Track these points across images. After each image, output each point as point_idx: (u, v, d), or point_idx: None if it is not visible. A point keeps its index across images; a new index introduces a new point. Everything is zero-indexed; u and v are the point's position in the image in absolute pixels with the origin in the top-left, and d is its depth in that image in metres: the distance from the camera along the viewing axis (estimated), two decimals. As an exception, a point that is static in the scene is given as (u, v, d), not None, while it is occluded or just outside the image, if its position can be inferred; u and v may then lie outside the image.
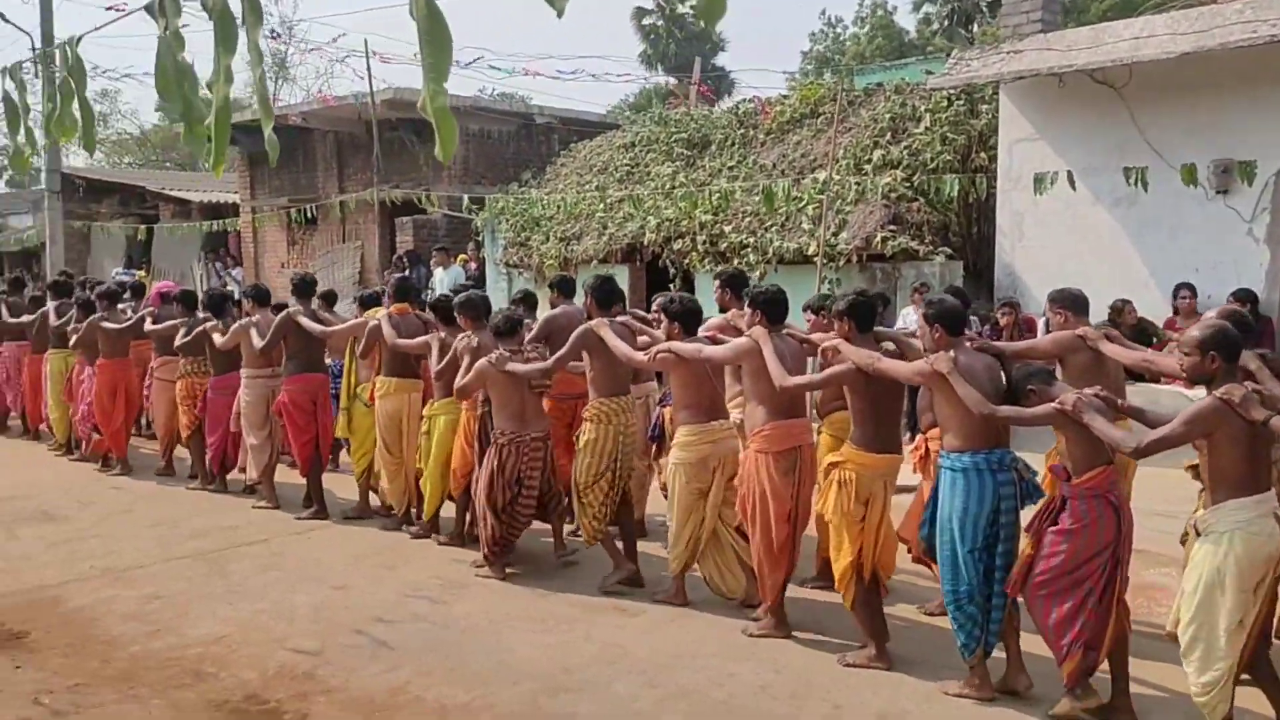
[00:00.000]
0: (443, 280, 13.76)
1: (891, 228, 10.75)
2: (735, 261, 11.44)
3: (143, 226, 20.04)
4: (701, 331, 5.83)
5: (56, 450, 10.49)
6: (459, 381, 6.37)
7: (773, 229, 11.36)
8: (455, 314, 6.78)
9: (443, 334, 6.89)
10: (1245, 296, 8.36)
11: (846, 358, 4.86)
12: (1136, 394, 5.99)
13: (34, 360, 10.82)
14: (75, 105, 2.55)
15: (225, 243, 20.06)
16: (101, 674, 4.94)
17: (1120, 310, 8.27)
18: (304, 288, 8.08)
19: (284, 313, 7.88)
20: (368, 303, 8.04)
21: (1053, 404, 4.19)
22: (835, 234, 10.67)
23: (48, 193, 18.35)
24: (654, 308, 6.65)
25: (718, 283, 6.62)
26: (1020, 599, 4.42)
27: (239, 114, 22.40)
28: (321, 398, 7.96)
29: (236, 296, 9.52)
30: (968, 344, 4.66)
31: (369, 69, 15.04)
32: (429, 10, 1.62)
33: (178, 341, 8.69)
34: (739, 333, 5.72)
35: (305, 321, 7.71)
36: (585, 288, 6.57)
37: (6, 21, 21.23)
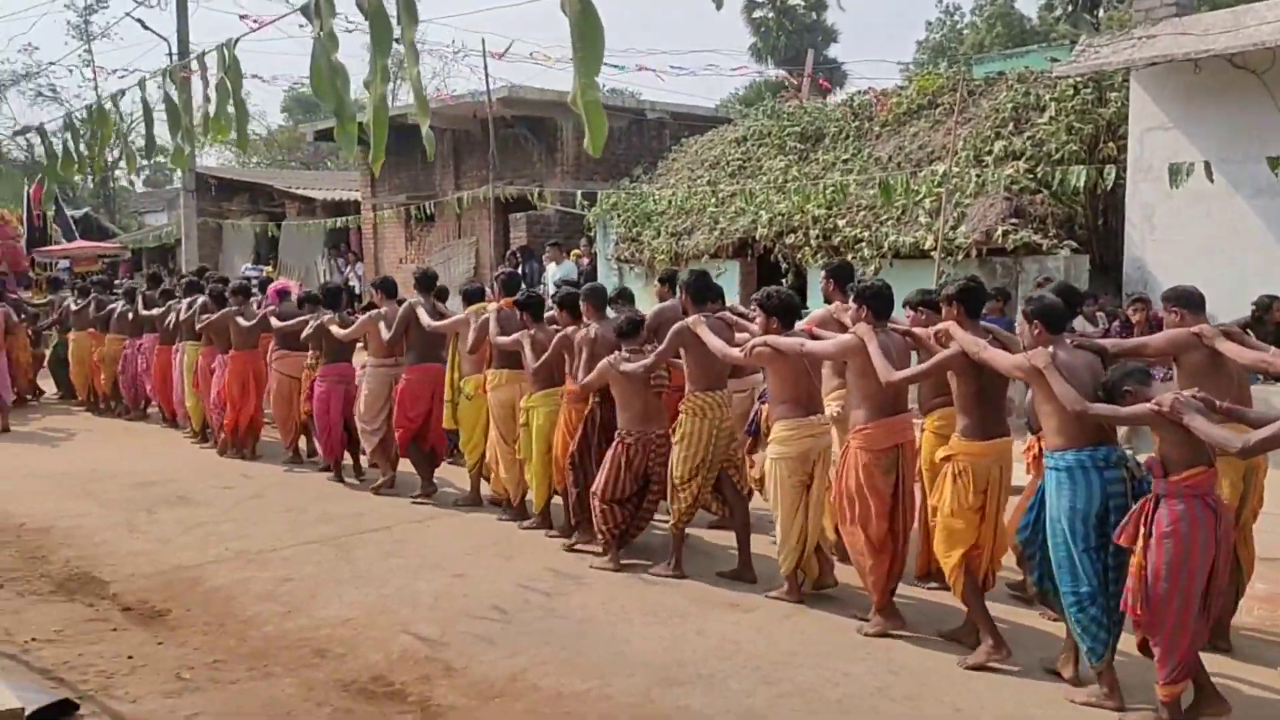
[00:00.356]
0: (555, 275, 13.95)
1: (1013, 221, 10.44)
2: (849, 256, 11.28)
3: (270, 224, 20.87)
4: (802, 325, 5.82)
5: (192, 438, 11.03)
6: (582, 379, 6.53)
7: (888, 223, 11.16)
8: (580, 302, 6.87)
9: (533, 331, 7.06)
10: None
11: (956, 342, 4.83)
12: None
13: (163, 351, 11.46)
14: (231, 105, 2.67)
15: (346, 239, 20.74)
16: (238, 651, 5.17)
17: (1268, 307, 7.85)
18: (424, 282, 8.38)
19: (405, 305, 8.19)
20: (471, 297, 8.25)
21: (1149, 404, 4.09)
22: (954, 227, 10.42)
23: (184, 191, 19.29)
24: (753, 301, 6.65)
25: (824, 274, 6.56)
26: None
27: (360, 115, 23.06)
28: (438, 388, 8.19)
29: (357, 291, 9.89)
30: (1068, 341, 4.61)
31: (485, 68, 15.32)
32: (582, 6, 1.64)
33: (305, 334, 9.07)
34: (841, 326, 5.71)
35: (421, 314, 7.98)
36: (680, 283, 6.61)
37: (145, 28, 22.27)
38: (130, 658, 5.05)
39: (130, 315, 12.26)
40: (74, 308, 13.22)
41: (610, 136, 17.08)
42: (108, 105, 3.28)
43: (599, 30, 1.69)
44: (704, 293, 6.40)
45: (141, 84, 3.07)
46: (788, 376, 5.58)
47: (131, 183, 38.10)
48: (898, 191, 10.10)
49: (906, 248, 10.82)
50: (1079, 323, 9.60)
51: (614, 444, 6.39)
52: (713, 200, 13.31)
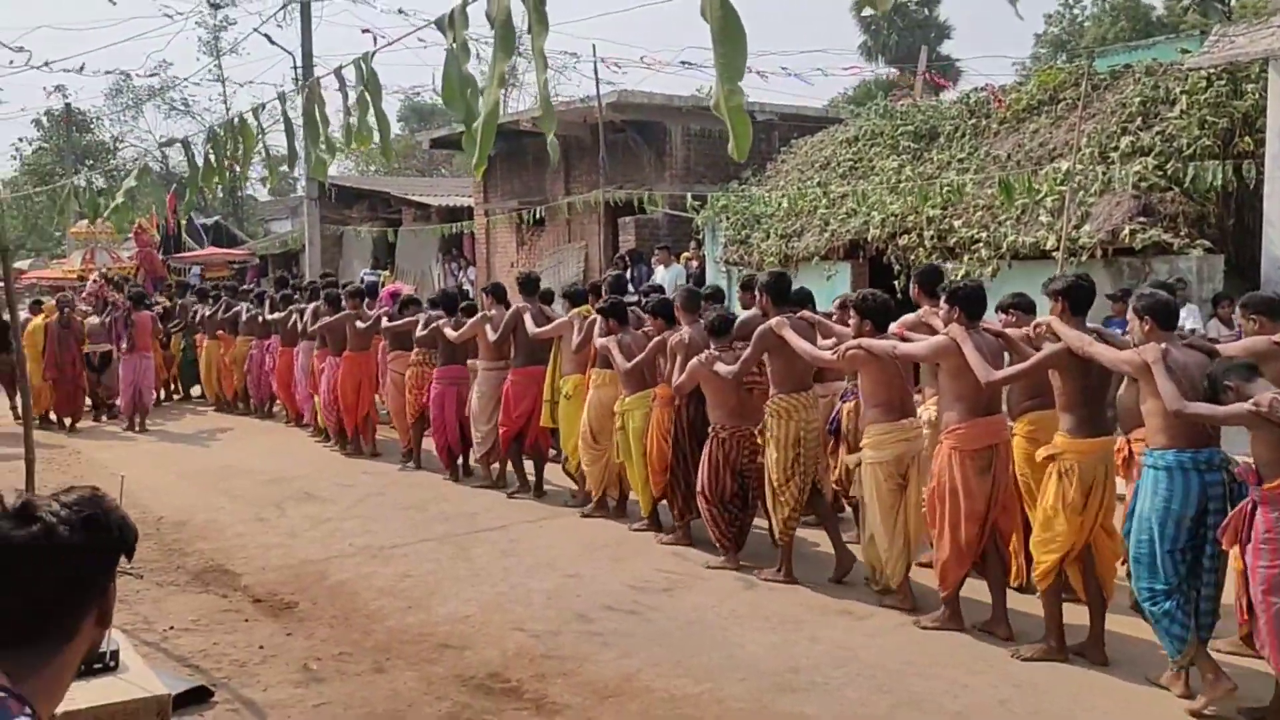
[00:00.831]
0: (664, 278, 13.99)
1: (1141, 219, 10.03)
2: (966, 257, 11.00)
3: (388, 229, 21.49)
4: (893, 329, 5.79)
5: (316, 436, 11.45)
6: (675, 379, 6.61)
7: (1007, 223, 10.85)
8: (674, 308, 7.02)
9: (620, 335, 7.25)
10: None
11: (1061, 336, 4.77)
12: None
13: (285, 352, 12.02)
14: (371, 116, 2.77)
15: (460, 244, 21.22)
16: (362, 644, 5.35)
17: None
18: (528, 286, 8.66)
19: (514, 308, 8.47)
20: (576, 298, 8.42)
21: (1247, 403, 3.99)
22: (1077, 227, 10.06)
23: (307, 199, 20.04)
24: (834, 304, 6.72)
25: (912, 279, 6.43)
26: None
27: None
28: (541, 389, 8.39)
29: (470, 295, 10.19)
30: (1179, 340, 4.58)
31: (596, 73, 15.49)
32: (723, 10, 1.65)
33: (417, 334, 9.41)
34: (930, 330, 5.67)
35: (526, 319, 8.26)
36: (759, 285, 6.59)
37: (272, 43, 23.08)
38: (261, 647, 5.27)
39: (259, 318, 12.85)
40: (205, 312, 13.90)
41: (719, 139, 17.06)
42: (249, 119, 3.44)
43: (741, 34, 1.69)
44: (783, 293, 6.38)
45: (282, 97, 3.22)
46: (880, 379, 5.54)
47: (256, 192, 39.74)
48: (1018, 190, 9.81)
49: (1026, 248, 10.50)
50: (1213, 325, 9.16)
51: (708, 441, 6.47)
52: (823, 201, 13.15)
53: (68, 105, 35.26)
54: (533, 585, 6.23)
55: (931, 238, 11.52)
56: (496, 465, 8.89)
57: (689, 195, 14.21)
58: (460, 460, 9.29)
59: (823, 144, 15.37)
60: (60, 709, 1.72)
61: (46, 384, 12.45)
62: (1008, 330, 5.41)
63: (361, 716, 4.49)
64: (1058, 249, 9.55)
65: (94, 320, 13.28)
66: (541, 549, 7.04)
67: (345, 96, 2.87)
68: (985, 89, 13.87)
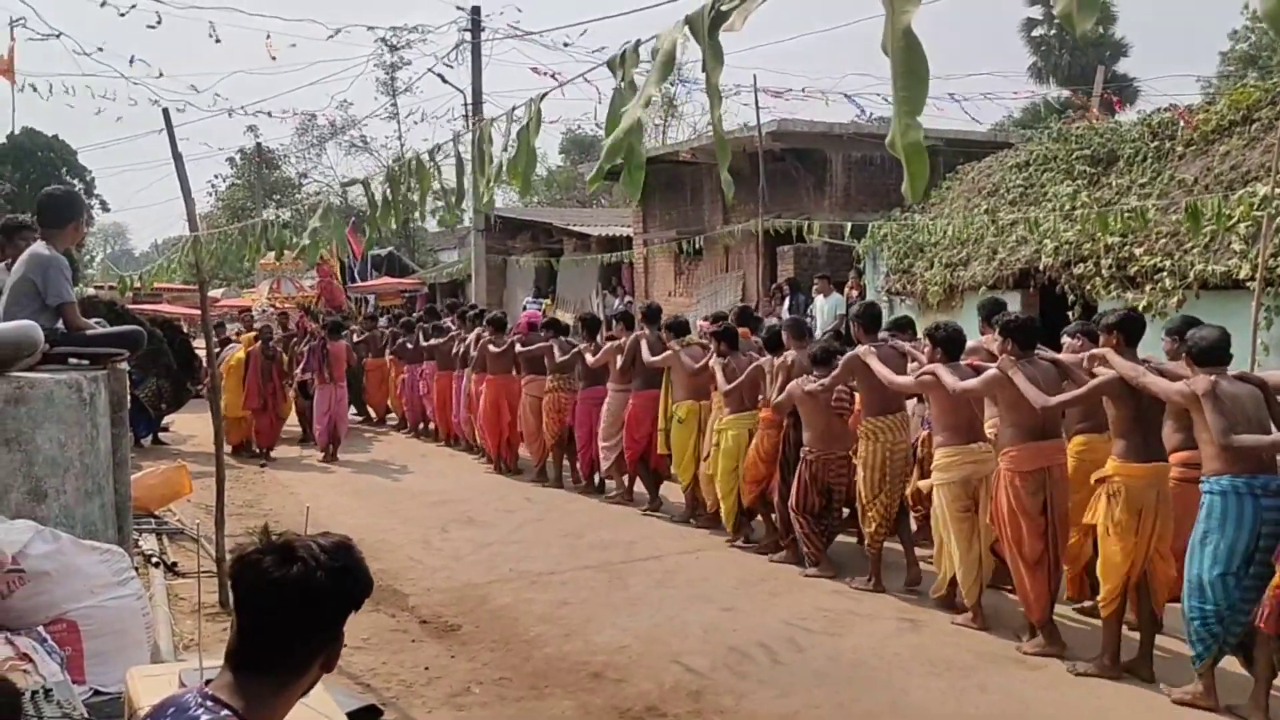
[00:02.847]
0: (823, 308, 13.79)
1: (1349, 246, 9.21)
2: (1147, 287, 10.38)
3: (549, 259, 22.04)
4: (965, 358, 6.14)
5: (485, 464, 11.82)
6: (775, 399, 7.15)
7: (1194, 251, 10.17)
8: (782, 334, 7.59)
9: (726, 359, 7.81)
10: None
11: (1113, 366, 5.04)
12: None
13: (442, 377, 12.75)
14: (524, 151, 2.84)
15: (619, 274, 21.54)
16: (521, 670, 5.42)
17: None
18: (650, 315, 9.34)
19: (633, 336, 9.10)
20: (677, 330, 8.80)
21: None
22: (1274, 255, 9.34)
23: (474, 231, 20.78)
24: (922, 334, 6.99)
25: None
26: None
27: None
28: (656, 412, 8.92)
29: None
30: (1230, 373, 4.77)
31: (756, 103, 15.48)
32: (906, 42, 1.59)
33: (559, 358, 9.93)
34: (990, 355, 6.11)
35: (642, 347, 8.82)
36: (852, 316, 7.15)
37: (445, 82, 24.17)
38: (426, 669, 5.41)
39: (409, 345, 13.63)
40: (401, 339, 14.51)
41: (880, 166, 16.78)
42: (426, 160, 3.59)
43: (925, 68, 1.62)
44: (874, 322, 6.96)
45: (456, 138, 3.34)
46: (948, 405, 5.90)
47: (426, 224, 41.51)
48: (1207, 216, 9.18)
49: (1217, 277, 9.82)
50: None
51: (800, 462, 6.99)
52: (991, 229, 12.67)
53: (258, 144, 37.84)
54: (689, 618, 6.19)
55: (1110, 266, 10.92)
56: (625, 480, 9.46)
57: (849, 224, 13.95)
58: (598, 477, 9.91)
59: (991, 169, 14.85)
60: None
61: (247, 414, 12.53)
62: (1061, 357, 5.75)
63: (521, 743, 4.55)
64: (1252, 279, 8.88)
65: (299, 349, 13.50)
66: (697, 580, 7.00)
67: (508, 133, 2.95)
68: (1170, 109, 13.09)
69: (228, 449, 11.74)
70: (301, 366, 13.07)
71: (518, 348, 10.69)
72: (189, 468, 8.22)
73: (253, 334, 13.75)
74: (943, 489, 5.90)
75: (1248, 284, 9.06)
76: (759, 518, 7.92)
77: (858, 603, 6.39)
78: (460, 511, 9.30)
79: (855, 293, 14.83)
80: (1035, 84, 35.29)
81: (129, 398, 13.39)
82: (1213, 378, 4.62)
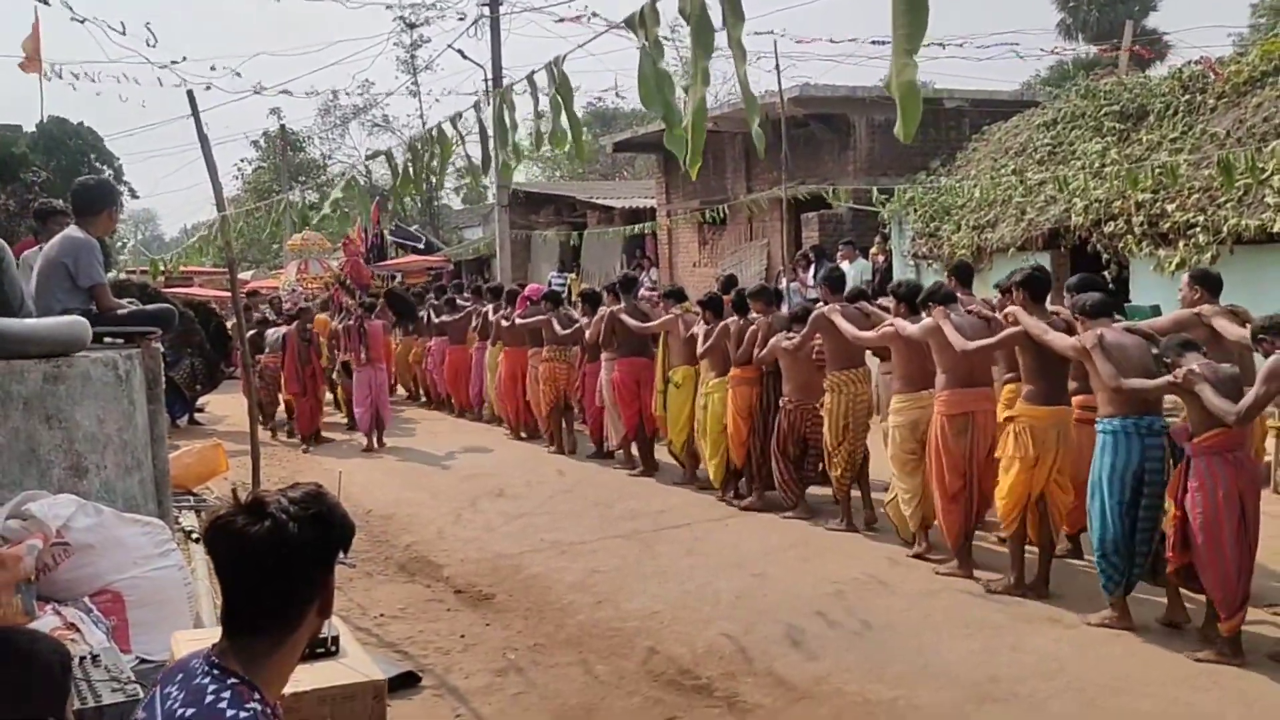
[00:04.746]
0: (849, 274, 13.71)
1: (1386, 196, 9.04)
2: (1180, 244, 10.25)
3: (573, 233, 22.02)
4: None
5: (508, 433, 11.92)
6: (758, 353, 7.68)
7: (1227, 205, 10.01)
8: (749, 300, 8.12)
9: (711, 326, 8.23)
10: None
11: (1021, 323, 5.58)
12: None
13: (454, 351, 13.14)
14: (564, 119, 2.84)
15: (643, 246, 21.49)
16: (555, 637, 5.49)
17: None
18: (627, 285, 9.87)
19: (609, 310, 9.48)
20: (675, 297, 9.34)
21: (1168, 376, 4.82)
22: (1310, 207, 9.18)
23: (497, 206, 20.81)
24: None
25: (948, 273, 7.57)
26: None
27: (655, 123, 23.92)
28: (645, 378, 9.29)
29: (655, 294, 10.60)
30: (1117, 326, 5.35)
31: (778, 67, 15.33)
32: None
33: (561, 332, 10.28)
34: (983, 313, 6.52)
35: (625, 318, 9.22)
36: (819, 279, 7.83)
37: (465, 58, 24.06)
38: (462, 636, 5.50)
39: (425, 319, 14.00)
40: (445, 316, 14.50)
41: (905, 129, 16.59)
42: (447, 128, 3.60)
43: (925, 4, 1.60)
44: (840, 285, 7.62)
45: (477, 106, 3.34)
46: (905, 355, 6.48)
47: (450, 201, 41.60)
48: (1240, 170, 9.02)
49: (1251, 231, 9.67)
50: None
51: (780, 412, 7.59)
52: (1019, 189, 12.52)
53: (282, 126, 37.96)
54: (719, 584, 6.23)
55: (1141, 223, 10.78)
56: (633, 449, 9.70)
57: (874, 189, 13.83)
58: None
59: (1017, 129, 14.65)
60: (287, 690, 1.84)
61: (289, 398, 12.15)
62: (984, 311, 6.32)
63: (556, 707, 4.62)
64: (1288, 231, 8.74)
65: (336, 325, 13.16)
66: (727, 548, 7.04)
67: (536, 101, 2.94)
68: (1200, 62, 12.85)
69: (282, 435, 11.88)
70: (342, 346, 12.64)
71: (516, 320, 11.19)
72: (225, 446, 8.34)
73: (323, 315, 13.70)
74: (896, 430, 6.53)
75: (1282, 238, 8.92)
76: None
77: (889, 567, 6.40)
78: (491, 485, 9.38)
79: (881, 258, 14.73)
80: (1064, 41, 34.66)
81: (164, 379, 13.61)
82: (1099, 331, 5.17)
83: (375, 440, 11.60)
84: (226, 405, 13.90)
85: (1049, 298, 6.06)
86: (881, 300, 7.78)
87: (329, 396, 13.58)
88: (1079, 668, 4.80)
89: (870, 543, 6.93)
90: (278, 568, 1.63)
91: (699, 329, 8.34)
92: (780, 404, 7.63)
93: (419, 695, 4.75)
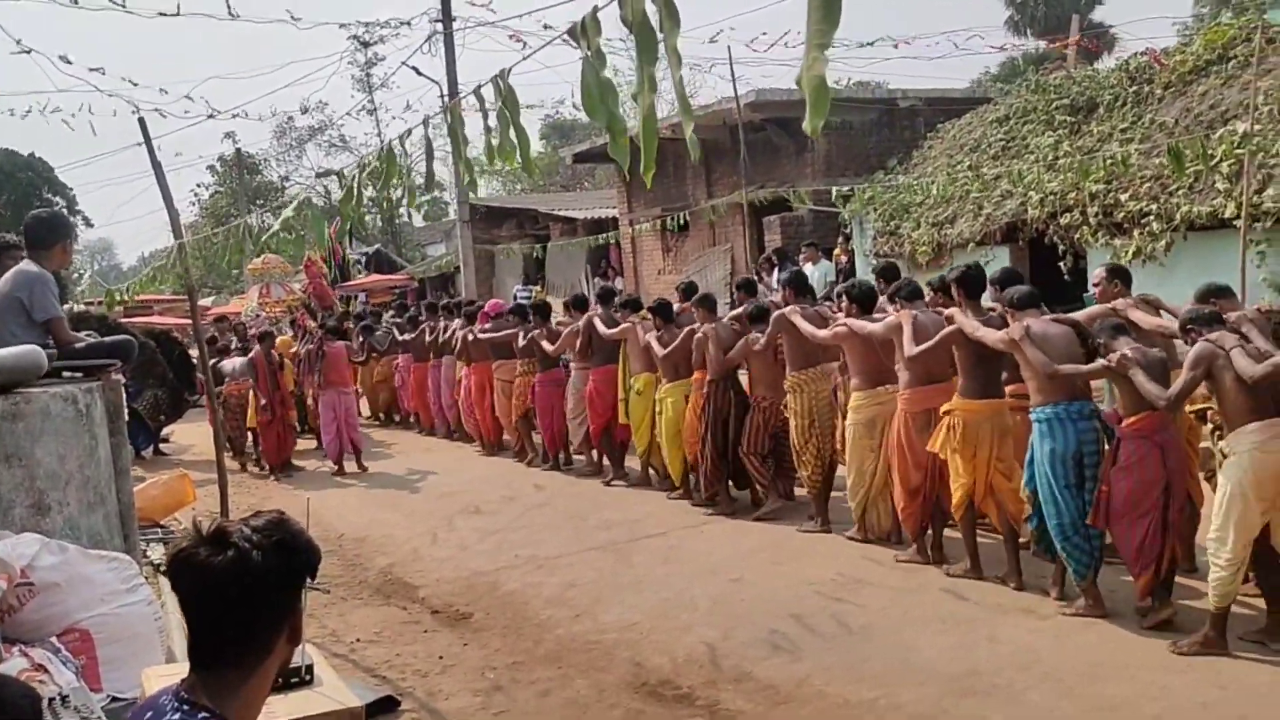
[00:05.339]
0: (813, 276, 13.78)
1: (1332, 178, 9.23)
2: (1135, 233, 10.42)
3: (536, 245, 22.00)
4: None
5: (479, 450, 11.87)
6: (718, 358, 7.81)
7: (1179, 193, 10.19)
8: (694, 307, 8.28)
9: (660, 331, 8.52)
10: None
11: (957, 322, 5.78)
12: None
13: (418, 368, 13.13)
14: (512, 132, 2.83)
15: (607, 256, 21.50)
16: (534, 653, 5.46)
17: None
18: (605, 296, 10.08)
19: (586, 317, 9.56)
20: (631, 306, 9.56)
21: (1101, 361, 5.03)
22: (1259, 191, 9.36)
23: (459, 222, 20.73)
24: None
25: (876, 277, 7.76)
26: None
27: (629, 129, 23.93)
28: (615, 386, 9.34)
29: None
30: (1044, 316, 5.55)
31: (733, 73, 15.42)
32: None
33: (523, 344, 10.35)
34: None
35: (597, 324, 9.35)
36: (781, 282, 8.11)
37: (419, 74, 24.05)
38: (440, 657, 5.45)
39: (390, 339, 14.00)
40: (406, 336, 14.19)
41: (860, 131, 16.73)
42: (395, 146, 3.58)
43: (839, 5, 1.61)
44: (802, 287, 7.88)
45: (425, 122, 3.34)
46: (860, 353, 6.67)
47: (412, 218, 41.36)
48: (1189, 157, 9.19)
49: (1203, 218, 9.84)
50: None
51: (751, 409, 7.74)
52: (976, 185, 12.68)
53: (238, 150, 37.62)
54: (696, 591, 6.23)
55: (1096, 214, 10.94)
56: (593, 455, 9.94)
57: (834, 190, 13.93)
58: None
59: (971, 126, 14.83)
60: (261, 721, 1.81)
61: (256, 426, 11.70)
62: (949, 311, 6.29)
63: (539, 724, 4.59)
64: (1238, 217, 8.90)
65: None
66: (702, 554, 7.04)
67: (485, 115, 2.93)
68: (1146, 53, 13.08)
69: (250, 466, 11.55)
70: (301, 370, 12.43)
71: (480, 334, 11.31)
72: (191, 476, 8.23)
73: (289, 336, 13.58)
74: (853, 427, 6.74)
75: (1234, 223, 9.09)
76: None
77: (864, 568, 6.42)
78: (465, 501, 9.31)
79: (844, 258, 14.83)
80: (1013, 36, 35.14)
81: (127, 410, 13.34)
82: (1026, 323, 5.36)
83: (357, 463, 11.32)
84: (192, 434, 13.72)
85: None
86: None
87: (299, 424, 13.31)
88: (1056, 657, 4.84)
89: (845, 544, 6.95)
90: (243, 597, 1.61)
91: (652, 336, 8.58)
92: (753, 402, 7.79)
93: None
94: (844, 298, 7.00)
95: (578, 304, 10.29)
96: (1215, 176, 9.90)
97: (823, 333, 6.97)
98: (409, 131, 3.56)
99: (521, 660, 5.37)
